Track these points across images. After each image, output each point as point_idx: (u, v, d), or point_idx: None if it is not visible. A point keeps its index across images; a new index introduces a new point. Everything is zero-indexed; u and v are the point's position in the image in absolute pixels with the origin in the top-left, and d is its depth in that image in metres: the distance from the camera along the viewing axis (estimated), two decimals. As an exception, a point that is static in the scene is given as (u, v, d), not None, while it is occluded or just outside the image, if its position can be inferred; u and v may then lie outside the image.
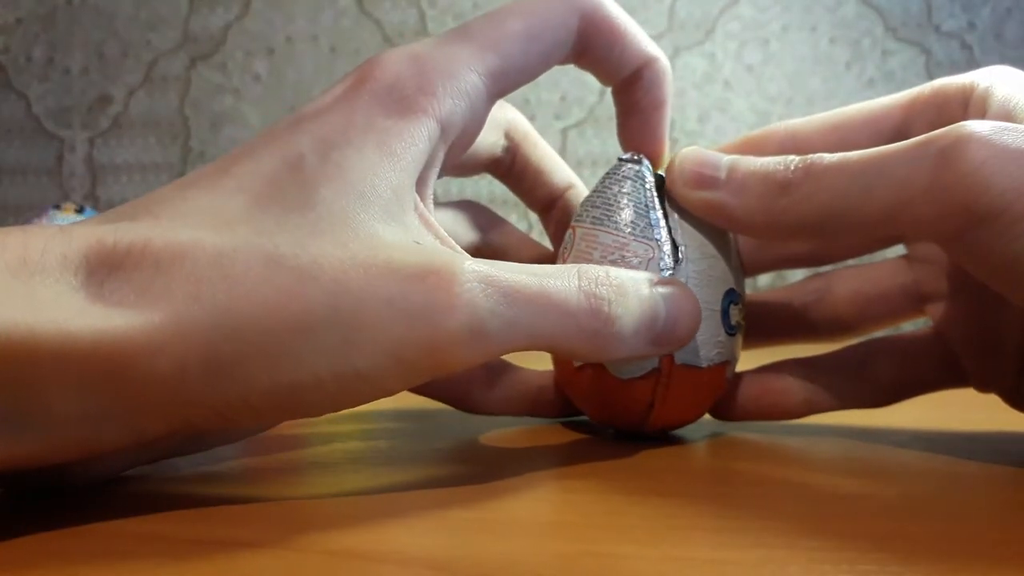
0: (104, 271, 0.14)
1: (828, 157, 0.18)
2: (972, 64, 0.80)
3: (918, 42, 0.81)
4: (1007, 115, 0.18)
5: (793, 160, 0.18)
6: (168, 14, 0.90)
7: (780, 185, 0.18)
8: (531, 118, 0.83)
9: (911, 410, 0.27)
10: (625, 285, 0.17)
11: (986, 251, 0.16)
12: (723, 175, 0.20)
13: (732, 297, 0.21)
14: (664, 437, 0.23)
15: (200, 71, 0.89)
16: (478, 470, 0.19)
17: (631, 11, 0.93)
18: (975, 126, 0.16)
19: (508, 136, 0.23)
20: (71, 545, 0.13)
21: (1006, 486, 0.17)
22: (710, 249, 0.21)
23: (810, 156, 0.18)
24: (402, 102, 0.17)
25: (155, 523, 0.15)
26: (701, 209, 0.20)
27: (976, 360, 0.22)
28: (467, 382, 0.23)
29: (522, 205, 0.93)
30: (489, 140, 0.23)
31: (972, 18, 0.81)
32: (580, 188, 0.25)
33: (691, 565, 0.12)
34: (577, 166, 0.82)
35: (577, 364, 0.22)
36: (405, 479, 0.18)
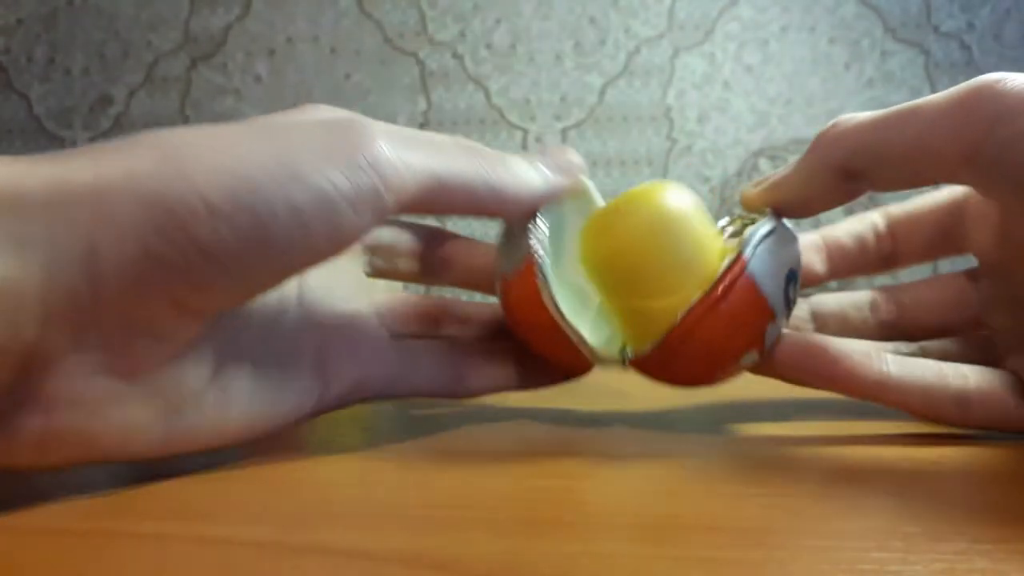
0: None
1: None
2: (971, 64, 0.80)
3: (917, 43, 0.81)
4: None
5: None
6: (169, 15, 0.90)
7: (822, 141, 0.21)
8: (531, 119, 0.83)
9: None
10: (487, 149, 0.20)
11: (1009, 155, 0.17)
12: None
13: (792, 276, 0.21)
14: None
15: (201, 72, 0.89)
16: (478, 470, 0.19)
17: (631, 12, 0.93)
18: (997, 75, 0.18)
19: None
20: (71, 544, 0.13)
21: (1006, 485, 0.17)
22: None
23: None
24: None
25: (155, 523, 0.15)
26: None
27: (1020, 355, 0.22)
28: (456, 366, 0.23)
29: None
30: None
31: (971, 19, 0.81)
32: None
33: (691, 564, 0.12)
34: (577, 166, 0.82)
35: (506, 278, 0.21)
36: (405, 479, 0.18)
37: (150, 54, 0.90)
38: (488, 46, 0.86)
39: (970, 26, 0.81)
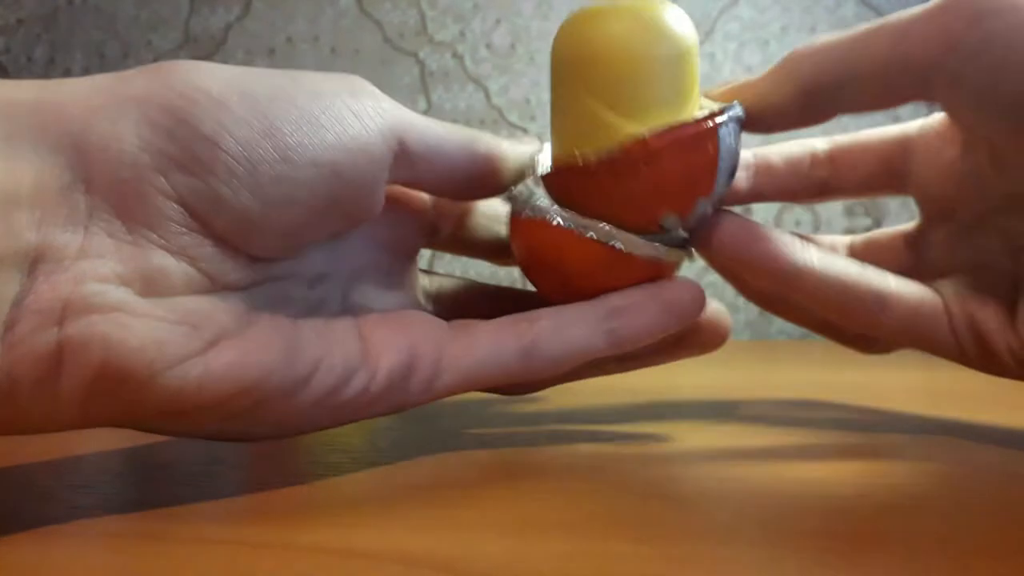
0: None
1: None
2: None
3: (918, 42, 0.81)
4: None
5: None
6: (169, 15, 0.90)
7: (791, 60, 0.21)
8: (531, 118, 0.83)
9: (910, 409, 0.27)
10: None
11: (989, 52, 0.17)
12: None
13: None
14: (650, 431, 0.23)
15: (201, 71, 0.89)
16: (478, 470, 0.19)
17: (631, 12, 0.92)
18: None
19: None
20: (70, 545, 0.13)
21: (1006, 483, 0.17)
22: None
23: None
24: None
25: (155, 522, 0.15)
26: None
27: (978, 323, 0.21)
28: (524, 333, 0.20)
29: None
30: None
31: (972, 18, 0.81)
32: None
33: (690, 563, 0.12)
34: (577, 166, 0.82)
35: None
36: (406, 479, 0.18)
37: (150, 54, 0.90)
38: (488, 46, 0.86)
39: (970, 26, 0.81)
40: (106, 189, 0.14)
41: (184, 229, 0.15)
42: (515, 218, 0.21)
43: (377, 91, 0.19)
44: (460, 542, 0.13)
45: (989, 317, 0.20)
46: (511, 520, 0.15)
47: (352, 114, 0.17)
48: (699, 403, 0.30)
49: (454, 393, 0.19)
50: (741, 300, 0.82)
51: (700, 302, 0.20)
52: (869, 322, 0.21)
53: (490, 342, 0.19)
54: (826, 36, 0.20)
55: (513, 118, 0.84)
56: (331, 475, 0.19)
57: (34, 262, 0.14)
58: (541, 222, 0.20)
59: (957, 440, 0.22)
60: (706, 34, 0.82)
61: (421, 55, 0.86)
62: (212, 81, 0.15)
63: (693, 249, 0.22)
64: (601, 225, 0.19)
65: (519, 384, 0.21)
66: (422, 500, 0.16)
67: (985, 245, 0.21)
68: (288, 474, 0.19)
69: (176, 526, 0.14)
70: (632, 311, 0.19)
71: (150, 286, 0.15)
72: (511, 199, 0.21)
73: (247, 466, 0.20)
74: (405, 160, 0.19)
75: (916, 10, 0.19)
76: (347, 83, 0.18)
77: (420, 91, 0.86)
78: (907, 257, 0.24)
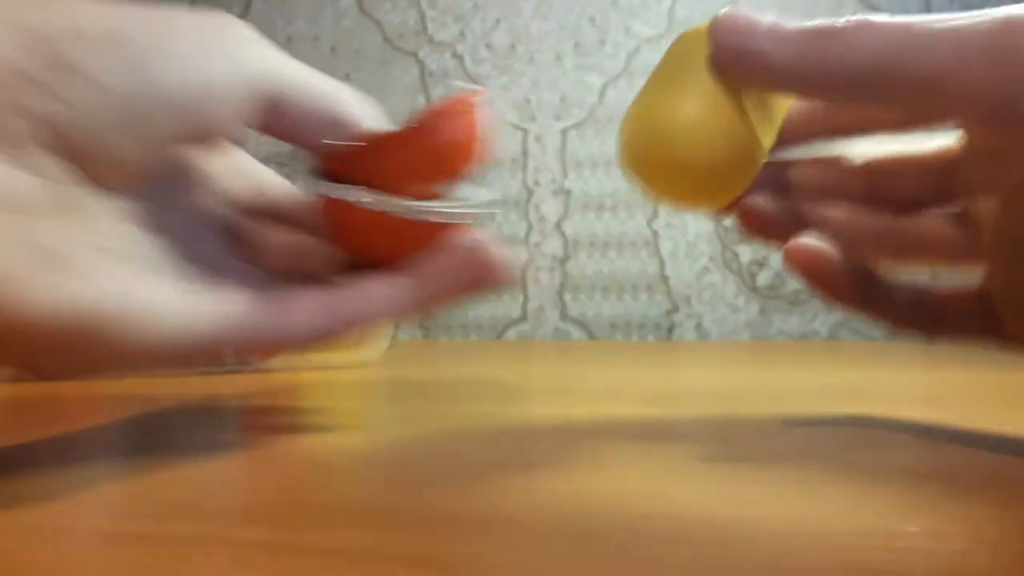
0: None
1: (884, 17, 0.18)
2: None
3: (918, 42, 0.81)
4: None
5: (845, 17, 0.18)
6: (168, 14, 0.90)
7: (830, 32, 0.18)
8: (531, 119, 0.83)
9: (909, 410, 0.27)
10: None
11: None
12: (765, 27, 0.19)
13: None
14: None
15: (200, 71, 0.89)
16: (478, 470, 0.19)
17: (631, 14, 0.93)
18: None
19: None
20: (67, 544, 0.13)
21: (1005, 485, 0.17)
22: None
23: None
24: None
25: (155, 522, 0.15)
26: (739, 59, 0.19)
27: (1018, 323, 0.22)
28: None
29: (522, 204, 0.93)
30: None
31: (972, 19, 0.81)
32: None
33: (687, 563, 0.12)
34: (577, 166, 0.82)
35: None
36: (405, 478, 0.18)
37: (150, 54, 0.90)
38: (488, 46, 0.86)
39: (970, 26, 0.81)
40: None
41: (39, 149, 0.16)
42: (324, 198, 0.22)
43: (252, 36, 0.19)
44: (459, 542, 0.13)
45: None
46: (510, 520, 0.15)
47: (215, 58, 0.18)
48: (700, 405, 0.30)
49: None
50: (741, 300, 0.83)
51: (492, 257, 0.22)
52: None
53: (307, 318, 0.21)
54: (869, 22, 0.18)
55: (513, 118, 0.84)
56: (330, 474, 0.19)
57: None
58: (346, 203, 0.21)
59: (956, 440, 0.23)
60: (706, 34, 0.82)
61: (421, 55, 0.86)
62: (85, 16, 0.16)
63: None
64: (398, 200, 0.21)
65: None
66: (421, 500, 0.16)
67: None
68: (287, 473, 0.19)
69: (175, 525, 0.15)
70: (434, 278, 0.21)
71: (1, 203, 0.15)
72: (314, 178, 0.23)
73: (247, 465, 0.20)
74: (266, 111, 0.20)
75: (973, 24, 0.16)
76: (220, 27, 0.19)
77: (420, 91, 0.86)
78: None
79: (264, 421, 0.27)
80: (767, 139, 0.22)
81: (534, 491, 0.17)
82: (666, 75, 0.21)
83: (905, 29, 0.17)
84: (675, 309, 0.83)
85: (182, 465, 0.20)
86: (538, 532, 0.14)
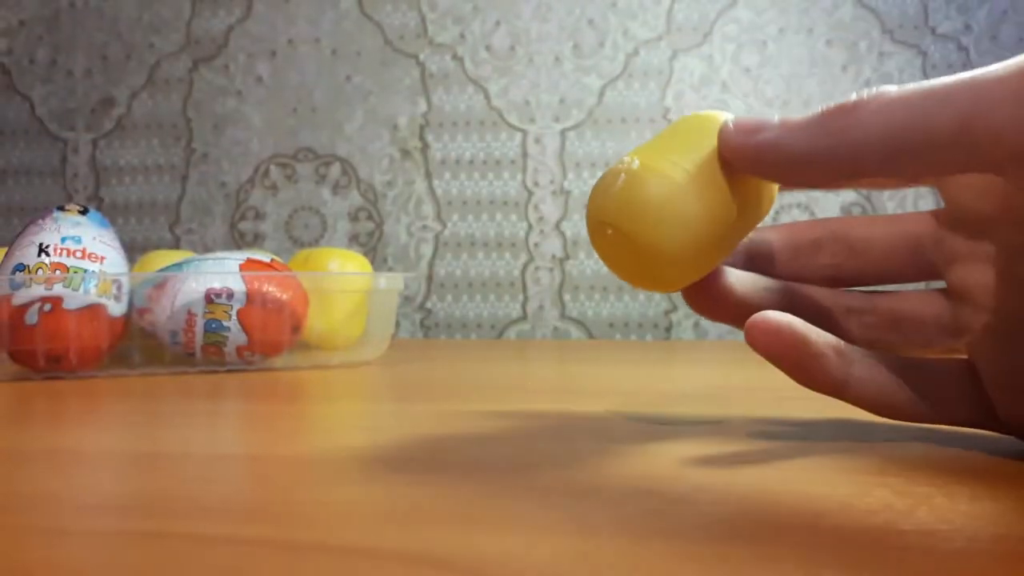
0: None
1: (896, 86, 0.17)
2: (968, 66, 0.81)
3: (915, 44, 0.81)
4: None
5: (859, 91, 0.18)
6: (171, 17, 0.90)
7: (844, 109, 0.18)
8: (530, 120, 0.84)
9: None
10: None
11: None
12: (776, 122, 0.19)
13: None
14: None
15: (203, 73, 0.89)
16: (477, 469, 0.19)
17: (630, 15, 0.93)
18: None
19: None
20: (71, 543, 0.13)
21: (1003, 483, 0.17)
22: None
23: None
24: None
25: (157, 520, 0.15)
26: (753, 155, 0.19)
27: (1008, 400, 0.20)
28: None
29: (522, 204, 0.93)
30: None
31: (968, 20, 0.81)
32: None
33: (687, 559, 0.12)
34: (576, 167, 0.82)
35: None
36: (406, 477, 0.18)
37: (152, 56, 0.90)
38: (488, 48, 0.86)
39: (967, 28, 0.82)
40: None
41: None
42: None
43: None
44: (458, 540, 0.14)
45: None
46: (509, 518, 0.15)
47: None
48: (698, 404, 0.30)
49: None
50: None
51: None
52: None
53: None
54: (888, 93, 0.17)
55: (513, 120, 0.84)
56: (331, 473, 0.19)
57: None
58: None
59: (956, 445, 0.23)
60: (704, 36, 0.83)
61: (421, 57, 0.87)
62: None
63: None
64: None
65: None
66: (421, 498, 0.16)
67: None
68: (288, 472, 0.19)
69: (176, 524, 0.15)
70: None
71: None
72: None
73: (248, 464, 0.20)
74: None
75: (994, 71, 0.16)
76: None
77: (420, 93, 0.86)
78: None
79: (265, 420, 0.27)
80: (747, 226, 0.20)
81: (535, 490, 0.17)
82: (660, 150, 0.20)
83: (921, 89, 0.17)
84: (673, 309, 0.83)
85: (183, 463, 0.20)
86: (539, 530, 0.14)
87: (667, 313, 0.83)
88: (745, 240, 0.23)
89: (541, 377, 0.39)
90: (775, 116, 0.19)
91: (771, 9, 0.82)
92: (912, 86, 0.17)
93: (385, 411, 0.28)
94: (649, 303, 0.83)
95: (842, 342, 0.21)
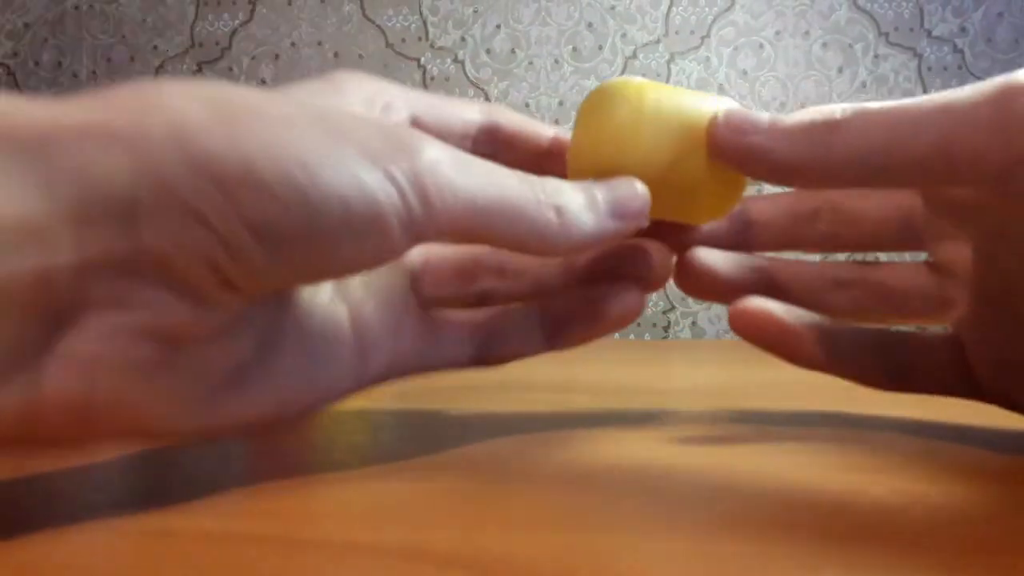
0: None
1: (878, 103, 0.18)
2: (963, 67, 0.82)
3: (910, 46, 0.82)
4: None
5: (842, 105, 0.19)
6: (175, 20, 0.91)
7: (829, 124, 0.18)
8: (531, 122, 0.84)
9: (903, 405, 0.27)
10: (553, 180, 0.18)
11: None
12: (765, 124, 0.19)
13: None
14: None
15: (206, 75, 0.90)
16: (476, 466, 0.19)
17: (628, 18, 0.93)
18: None
19: (483, 112, 0.23)
20: (73, 541, 0.13)
21: (1000, 480, 0.17)
22: None
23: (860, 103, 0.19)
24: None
25: (159, 518, 0.15)
26: (742, 156, 0.20)
27: (991, 373, 0.21)
28: (481, 335, 0.22)
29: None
30: (465, 116, 0.22)
31: (963, 22, 0.82)
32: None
33: (686, 557, 0.12)
34: (576, 169, 0.83)
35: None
36: (407, 475, 0.18)
37: (156, 58, 0.91)
38: (488, 51, 0.87)
39: (962, 30, 0.82)
40: (149, 247, 0.14)
41: (214, 286, 0.15)
42: None
43: (433, 157, 0.16)
44: (459, 537, 0.14)
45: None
46: (510, 515, 0.15)
47: (395, 216, 0.15)
48: (696, 402, 0.30)
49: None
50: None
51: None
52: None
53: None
54: (868, 111, 0.18)
55: (513, 121, 0.85)
56: (334, 471, 0.19)
57: (65, 309, 0.13)
58: None
59: (952, 441, 0.22)
60: (701, 39, 0.83)
61: (423, 60, 0.87)
62: (263, 158, 0.14)
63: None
64: None
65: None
66: (422, 496, 0.16)
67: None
68: (291, 470, 0.19)
69: (179, 521, 0.14)
70: None
71: (177, 336, 0.15)
72: None
73: (251, 462, 0.20)
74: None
75: (969, 95, 0.17)
76: (395, 157, 0.16)
77: (421, 95, 0.87)
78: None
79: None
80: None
81: (534, 486, 0.17)
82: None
83: (902, 110, 0.17)
84: (671, 308, 0.84)
85: (187, 461, 0.20)
86: (539, 527, 0.14)
87: (665, 312, 0.84)
88: (742, 206, 0.24)
89: (540, 375, 0.39)
90: (765, 115, 0.20)
91: (768, 12, 0.83)
92: (891, 107, 0.18)
93: (386, 411, 0.28)
94: (647, 303, 0.83)
95: (822, 319, 0.22)
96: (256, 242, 0.14)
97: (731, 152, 0.20)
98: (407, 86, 0.22)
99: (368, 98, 0.19)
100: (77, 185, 0.13)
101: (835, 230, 0.24)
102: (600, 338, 0.23)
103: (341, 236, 0.15)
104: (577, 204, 0.18)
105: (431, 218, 0.16)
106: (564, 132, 0.23)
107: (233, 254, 0.14)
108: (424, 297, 0.22)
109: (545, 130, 0.23)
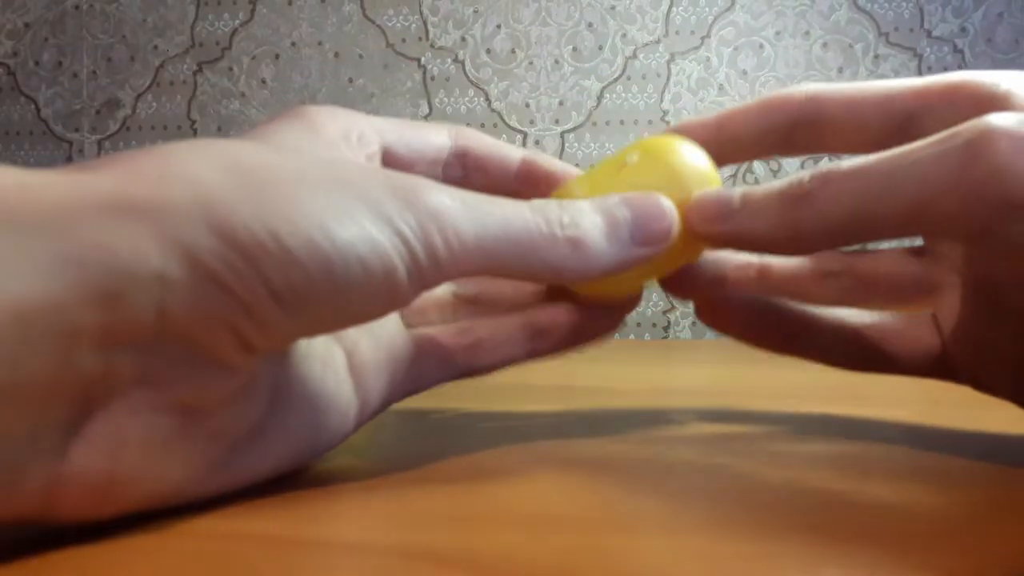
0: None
1: (845, 164, 0.18)
2: (964, 68, 0.82)
3: (910, 47, 0.82)
4: None
5: (805, 175, 0.18)
6: (175, 19, 0.91)
7: (797, 199, 0.18)
8: (530, 123, 0.84)
9: (900, 407, 0.27)
10: (574, 204, 0.18)
11: (1017, 245, 0.16)
12: (737, 205, 0.19)
13: None
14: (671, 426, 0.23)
15: (207, 75, 0.90)
16: (477, 466, 0.19)
17: (628, 18, 0.93)
18: (999, 119, 0.16)
19: (453, 136, 0.23)
20: (72, 540, 0.13)
21: (995, 484, 0.17)
22: None
23: (825, 166, 0.18)
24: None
25: (159, 518, 0.15)
26: (722, 243, 0.20)
27: (966, 356, 0.21)
28: (465, 349, 0.22)
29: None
30: (435, 142, 0.22)
31: (964, 23, 0.82)
32: (535, 154, 0.24)
33: (685, 557, 0.12)
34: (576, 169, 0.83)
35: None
36: (408, 475, 0.18)
37: (157, 58, 0.91)
38: (488, 51, 0.87)
39: (963, 30, 0.82)
40: (176, 321, 0.13)
41: (236, 352, 0.14)
42: None
43: (441, 205, 0.16)
44: (460, 537, 0.14)
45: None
46: (510, 515, 0.15)
47: (405, 269, 0.15)
48: (696, 402, 0.30)
49: None
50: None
51: None
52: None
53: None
54: (839, 172, 0.18)
55: (513, 122, 0.85)
56: (334, 470, 0.19)
57: (92, 390, 0.13)
58: None
59: (951, 442, 0.23)
60: (702, 39, 0.83)
61: (423, 60, 0.87)
62: (286, 225, 0.14)
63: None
64: None
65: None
66: (423, 495, 0.16)
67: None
68: (295, 471, 0.19)
69: (180, 521, 0.14)
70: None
71: (196, 406, 0.14)
72: None
73: None
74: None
75: (936, 153, 0.16)
76: (404, 210, 0.15)
77: (422, 95, 0.87)
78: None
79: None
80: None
81: (533, 486, 0.17)
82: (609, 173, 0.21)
83: (868, 173, 0.17)
84: (671, 308, 0.84)
85: None
86: (537, 527, 0.14)
87: (665, 312, 0.84)
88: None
89: (541, 376, 0.39)
90: (736, 195, 0.19)
91: (768, 12, 0.83)
92: (858, 169, 0.17)
93: (387, 410, 0.28)
94: (647, 302, 0.83)
95: (806, 309, 0.23)
96: (278, 306, 0.14)
97: (707, 238, 0.20)
98: (407, 84, 0.22)
99: (343, 133, 0.19)
100: (103, 263, 0.12)
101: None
102: (585, 346, 0.24)
103: (357, 294, 0.15)
104: (596, 233, 0.18)
105: (438, 268, 0.16)
106: (533, 153, 0.23)
107: (255, 319, 0.14)
108: (407, 321, 0.22)
109: (514, 152, 0.23)
